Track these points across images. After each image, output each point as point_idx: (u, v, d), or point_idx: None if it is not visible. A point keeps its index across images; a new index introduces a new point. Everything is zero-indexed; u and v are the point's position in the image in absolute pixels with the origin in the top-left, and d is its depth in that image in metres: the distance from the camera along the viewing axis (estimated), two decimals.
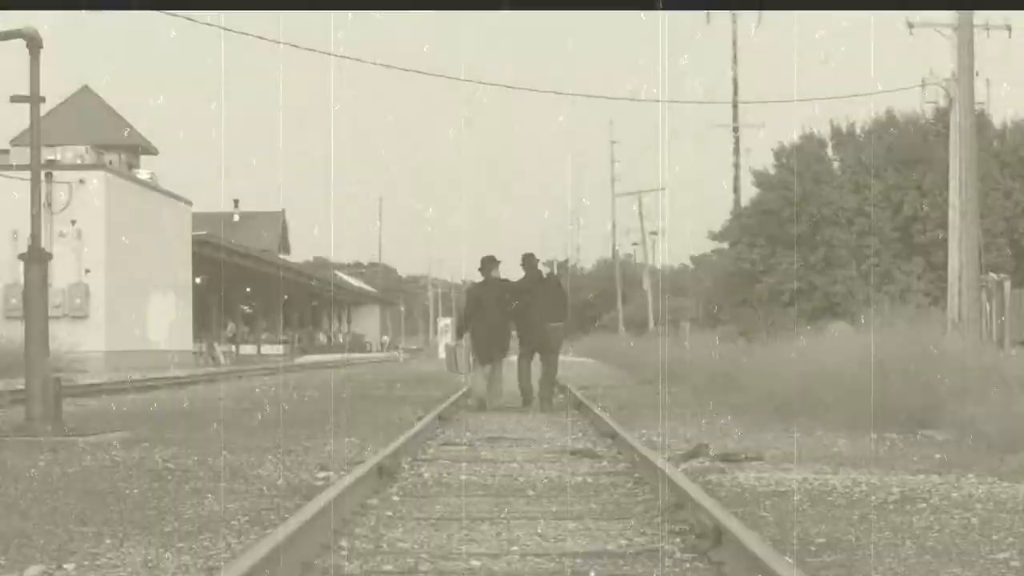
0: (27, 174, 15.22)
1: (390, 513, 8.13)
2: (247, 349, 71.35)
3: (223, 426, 15.56)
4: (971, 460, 11.09)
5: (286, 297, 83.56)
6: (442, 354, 64.17)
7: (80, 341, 40.27)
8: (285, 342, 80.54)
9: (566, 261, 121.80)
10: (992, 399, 12.66)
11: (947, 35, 27.86)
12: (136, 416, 17.38)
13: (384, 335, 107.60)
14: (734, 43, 52.98)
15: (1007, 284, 30.48)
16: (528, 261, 19.65)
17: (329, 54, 24.01)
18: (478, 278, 20.05)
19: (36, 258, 14.48)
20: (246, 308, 76.58)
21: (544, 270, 20.48)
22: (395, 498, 8.81)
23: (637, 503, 8.61)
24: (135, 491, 9.28)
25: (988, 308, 29.11)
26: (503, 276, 19.92)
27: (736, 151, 52.27)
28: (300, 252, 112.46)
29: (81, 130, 47.83)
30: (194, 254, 53.74)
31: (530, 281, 19.53)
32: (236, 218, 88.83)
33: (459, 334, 20.04)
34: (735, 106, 52.77)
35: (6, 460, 11.33)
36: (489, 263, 19.61)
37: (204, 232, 55.45)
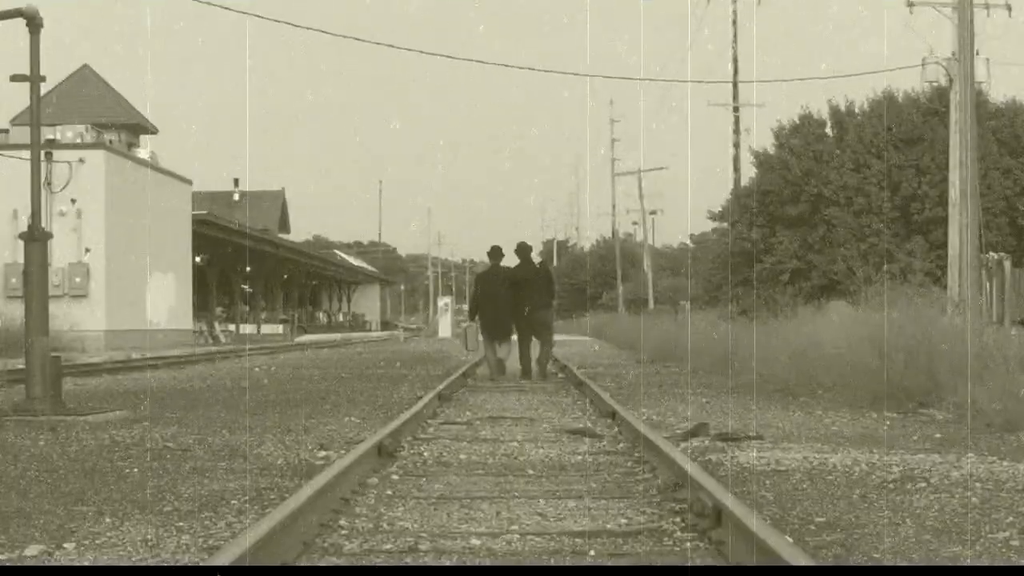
0: (27, 153, 15.23)
1: (390, 492, 8.12)
2: (247, 328, 71.37)
3: (222, 405, 15.60)
4: (971, 439, 11.11)
5: (286, 276, 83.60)
6: (442, 333, 65.10)
7: (80, 320, 40.34)
8: (285, 321, 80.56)
9: (566, 240, 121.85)
10: (992, 379, 12.66)
11: (947, 14, 27.79)
12: (136, 395, 17.38)
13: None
14: (734, 23, 52.90)
15: (1007, 263, 30.46)
16: (522, 251, 21.54)
17: (326, 32, 24.00)
18: (483, 260, 22.13)
19: (36, 237, 14.47)
20: (246, 287, 76.54)
21: (536, 259, 22.25)
22: (395, 477, 8.81)
23: (637, 482, 8.61)
24: (135, 470, 9.28)
25: (988, 287, 29.10)
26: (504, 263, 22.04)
27: (736, 130, 52.25)
28: (300, 231, 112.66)
29: (81, 109, 47.75)
30: (194, 233, 53.70)
31: (524, 271, 21.38)
32: (236, 197, 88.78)
33: (471, 317, 22.71)
34: (735, 85, 52.72)
35: (6, 439, 11.35)
36: (495, 253, 21.72)
37: (204, 211, 55.39)
